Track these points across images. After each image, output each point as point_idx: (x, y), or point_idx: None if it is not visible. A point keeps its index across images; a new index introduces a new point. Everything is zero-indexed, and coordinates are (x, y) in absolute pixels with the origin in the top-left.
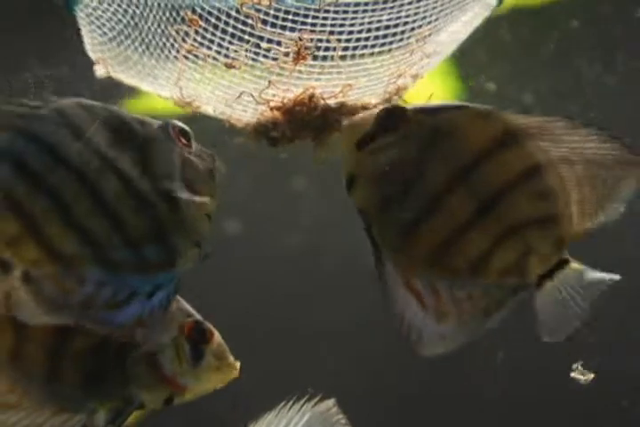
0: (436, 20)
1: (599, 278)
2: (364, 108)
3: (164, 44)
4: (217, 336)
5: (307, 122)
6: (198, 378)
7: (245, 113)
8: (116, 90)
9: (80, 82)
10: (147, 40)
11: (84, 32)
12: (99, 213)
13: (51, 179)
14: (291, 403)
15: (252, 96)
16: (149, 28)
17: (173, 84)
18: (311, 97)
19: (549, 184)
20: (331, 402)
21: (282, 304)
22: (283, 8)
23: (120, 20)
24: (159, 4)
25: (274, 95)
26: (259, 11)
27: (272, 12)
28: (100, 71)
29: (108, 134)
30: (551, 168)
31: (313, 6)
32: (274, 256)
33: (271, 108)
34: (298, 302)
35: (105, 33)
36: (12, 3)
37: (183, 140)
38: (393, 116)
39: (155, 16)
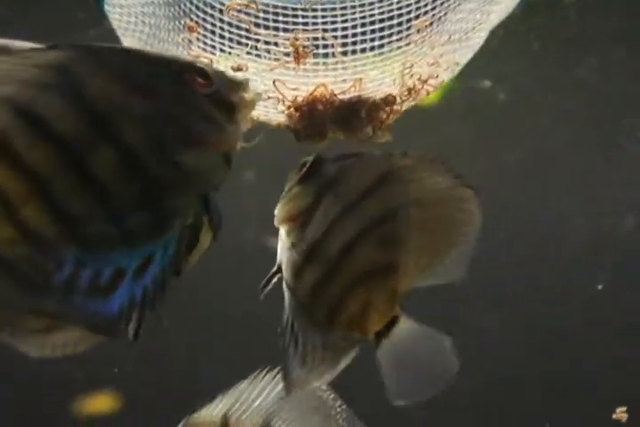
0: (433, 9)
1: (433, 337)
2: (385, 100)
3: (175, 52)
4: None
5: (327, 117)
6: None
7: (268, 114)
8: None
9: None
10: (164, 49)
11: (124, 41)
12: (80, 186)
13: (30, 154)
14: (265, 372)
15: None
16: (162, 37)
17: None
18: (323, 93)
19: (395, 232)
20: None
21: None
22: (270, 10)
23: (142, 31)
24: (164, 15)
25: (284, 94)
26: (248, 14)
27: (261, 14)
28: None
29: (107, 89)
30: (402, 214)
31: (299, 6)
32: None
33: (288, 107)
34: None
35: (136, 43)
36: None
37: (200, 82)
38: (304, 167)
39: (164, 26)
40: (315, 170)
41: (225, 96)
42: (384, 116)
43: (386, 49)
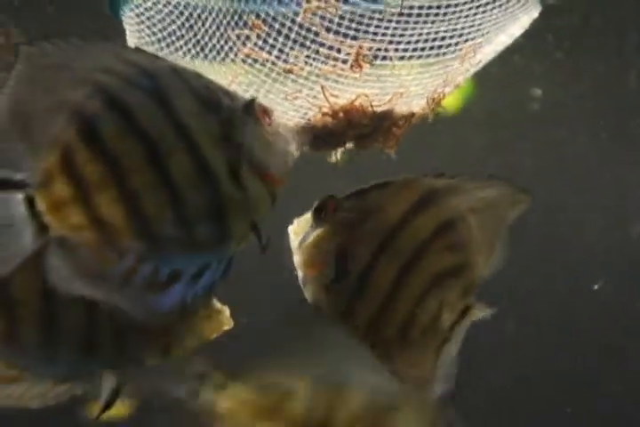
0: (488, 32)
1: None
2: (405, 117)
3: (222, 46)
4: None
5: (354, 128)
6: (190, 329)
7: (293, 117)
8: None
9: None
10: (202, 42)
11: (130, 31)
12: (157, 185)
13: (115, 142)
14: None
15: (307, 101)
16: (207, 30)
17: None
18: (362, 104)
19: (459, 237)
20: None
21: None
22: (347, 16)
23: (174, 21)
24: (220, 9)
25: (324, 100)
26: (323, 18)
27: (336, 19)
28: None
29: (190, 103)
30: (460, 221)
31: (376, 16)
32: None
33: (323, 114)
34: None
35: (154, 33)
36: None
37: (266, 119)
38: (323, 209)
39: (214, 19)
40: (331, 211)
41: (283, 136)
42: (399, 130)
43: (436, 67)
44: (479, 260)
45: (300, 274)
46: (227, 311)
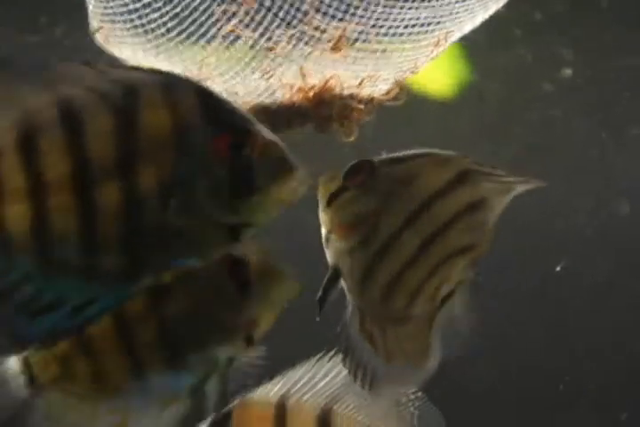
0: (462, 21)
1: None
2: (367, 100)
3: (205, 20)
4: None
5: (320, 109)
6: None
7: (259, 96)
8: None
9: None
10: (182, 15)
11: (95, 2)
12: (73, 206)
13: (47, 156)
14: (331, 354)
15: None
16: (189, 4)
17: (197, 62)
18: (332, 85)
19: (481, 218)
20: None
21: None
22: None
23: None
24: None
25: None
26: None
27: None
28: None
29: (166, 124)
30: (486, 202)
31: None
32: None
33: (293, 92)
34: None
35: (126, 4)
36: None
37: (224, 150)
38: (359, 170)
39: None
40: (368, 173)
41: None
42: (359, 114)
43: (410, 52)
44: (487, 240)
45: (323, 232)
46: (290, 269)
